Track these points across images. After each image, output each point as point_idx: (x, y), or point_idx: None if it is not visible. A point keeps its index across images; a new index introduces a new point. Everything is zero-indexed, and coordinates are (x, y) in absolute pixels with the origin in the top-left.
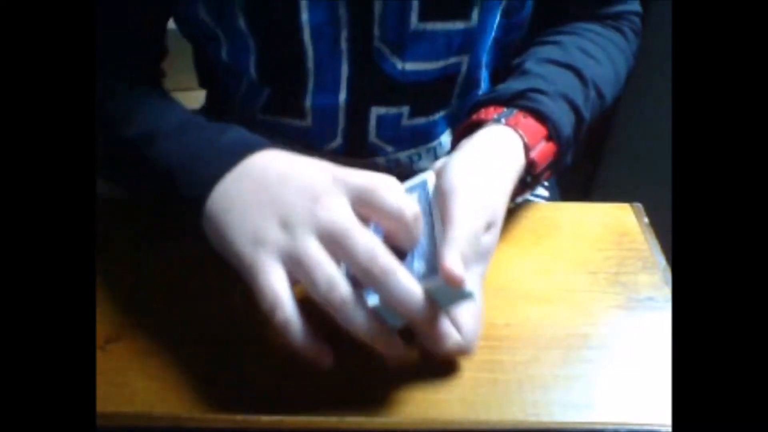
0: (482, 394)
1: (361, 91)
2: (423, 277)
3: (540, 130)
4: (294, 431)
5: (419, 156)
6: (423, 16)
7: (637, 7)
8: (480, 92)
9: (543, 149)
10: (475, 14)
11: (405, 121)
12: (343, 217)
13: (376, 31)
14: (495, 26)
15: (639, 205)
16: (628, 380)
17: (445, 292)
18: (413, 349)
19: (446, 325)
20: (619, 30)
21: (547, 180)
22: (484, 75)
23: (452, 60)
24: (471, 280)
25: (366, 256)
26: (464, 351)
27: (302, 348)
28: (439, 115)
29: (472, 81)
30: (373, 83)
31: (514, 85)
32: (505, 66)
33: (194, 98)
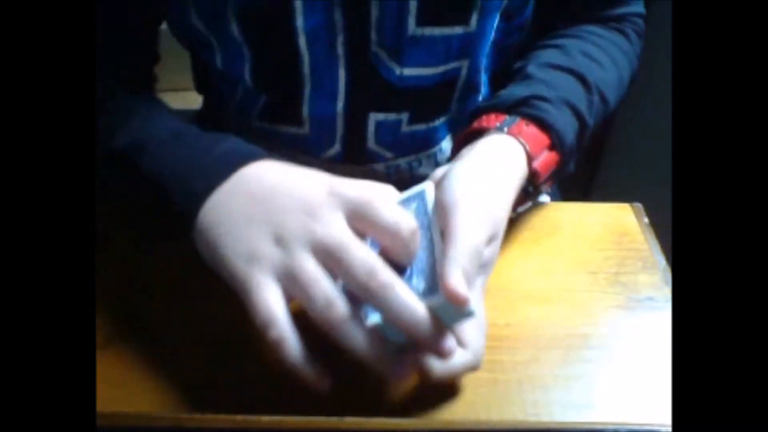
0: (482, 394)
1: (359, 98)
2: (424, 295)
3: (543, 139)
4: (294, 431)
5: (419, 162)
6: (421, 21)
7: (640, 8)
8: (479, 96)
9: (545, 159)
10: (474, 19)
11: (404, 128)
12: (339, 231)
13: (374, 36)
14: (494, 30)
15: (639, 205)
16: (628, 380)
17: (448, 310)
18: (413, 371)
19: (452, 342)
20: (622, 32)
21: (548, 188)
22: (483, 79)
23: (451, 65)
24: (473, 296)
25: (363, 270)
26: (473, 368)
27: (297, 368)
28: (439, 122)
29: (471, 85)
30: (371, 89)
31: (517, 91)
32: (504, 69)
33: (192, 99)
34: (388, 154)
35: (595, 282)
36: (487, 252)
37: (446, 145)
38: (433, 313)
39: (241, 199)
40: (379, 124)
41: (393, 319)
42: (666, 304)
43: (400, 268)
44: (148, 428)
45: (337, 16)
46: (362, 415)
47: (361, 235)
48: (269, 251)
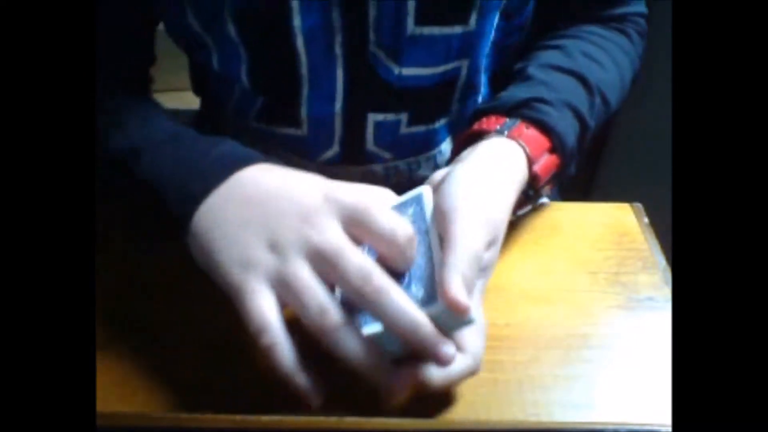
0: (482, 394)
1: (357, 98)
2: (423, 304)
3: (543, 142)
4: (294, 431)
5: (418, 164)
6: (420, 21)
7: (642, 8)
8: (479, 97)
9: (546, 162)
10: (473, 18)
11: (404, 129)
12: (334, 237)
13: (372, 36)
14: (494, 29)
15: (639, 205)
16: (628, 380)
17: (448, 318)
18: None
19: (452, 349)
20: (623, 32)
21: (549, 192)
22: (483, 79)
23: (451, 65)
24: (473, 302)
25: (359, 275)
26: (472, 373)
27: (289, 376)
28: (439, 124)
29: (471, 86)
30: (369, 89)
31: (517, 92)
32: (504, 70)
33: (190, 99)
34: (387, 156)
35: (595, 282)
36: (487, 256)
37: (446, 147)
38: (433, 321)
39: (236, 203)
40: (377, 125)
41: (389, 324)
42: (666, 304)
43: (397, 275)
44: (148, 428)
45: (335, 16)
46: (362, 415)
47: (357, 241)
48: (264, 258)
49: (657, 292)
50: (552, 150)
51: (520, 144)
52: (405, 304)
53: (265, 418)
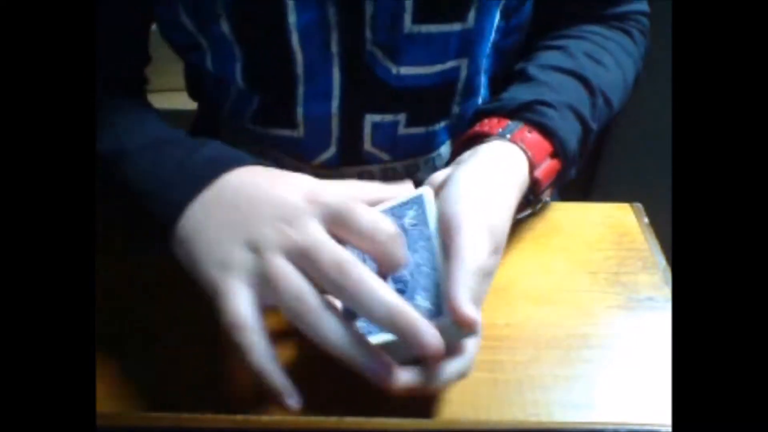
0: (482, 394)
1: (354, 98)
2: (430, 316)
3: (546, 146)
4: (294, 431)
5: (417, 167)
6: (417, 18)
7: (644, 6)
8: (479, 100)
9: (547, 167)
10: (471, 15)
11: (402, 130)
12: (312, 234)
13: (368, 34)
14: (494, 29)
15: (639, 205)
16: (628, 380)
17: (454, 329)
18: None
19: (435, 335)
20: (625, 32)
21: (549, 196)
22: (483, 81)
23: (450, 64)
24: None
25: (336, 268)
26: (464, 375)
27: (262, 375)
28: (438, 126)
29: (471, 87)
30: (367, 89)
31: (520, 94)
32: (504, 72)
33: (186, 100)
34: (385, 157)
35: (595, 282)
36: (489, 262)
37: (445, 150)
38: (440, 332)
39: (218, 208)
40: (375, 126)
41: (367, 316)
42: (666, 304)
43: (400, 283)
44: (148, 428)
45: (331, 14)
46: (362, 415)
47: (342, 244)
48: (242, 257)
49: (657, 292)
50: (554, 154)
51: (522, 148)
52: (384, 293)
53: (265, 418)
